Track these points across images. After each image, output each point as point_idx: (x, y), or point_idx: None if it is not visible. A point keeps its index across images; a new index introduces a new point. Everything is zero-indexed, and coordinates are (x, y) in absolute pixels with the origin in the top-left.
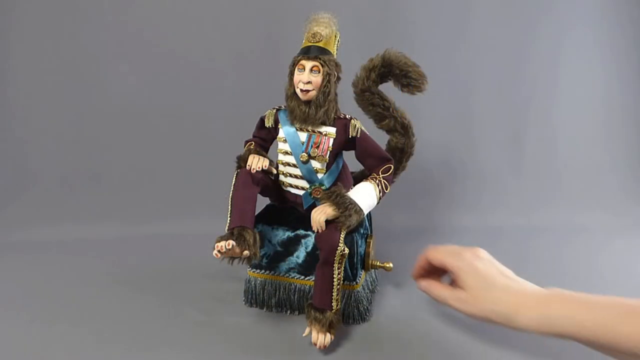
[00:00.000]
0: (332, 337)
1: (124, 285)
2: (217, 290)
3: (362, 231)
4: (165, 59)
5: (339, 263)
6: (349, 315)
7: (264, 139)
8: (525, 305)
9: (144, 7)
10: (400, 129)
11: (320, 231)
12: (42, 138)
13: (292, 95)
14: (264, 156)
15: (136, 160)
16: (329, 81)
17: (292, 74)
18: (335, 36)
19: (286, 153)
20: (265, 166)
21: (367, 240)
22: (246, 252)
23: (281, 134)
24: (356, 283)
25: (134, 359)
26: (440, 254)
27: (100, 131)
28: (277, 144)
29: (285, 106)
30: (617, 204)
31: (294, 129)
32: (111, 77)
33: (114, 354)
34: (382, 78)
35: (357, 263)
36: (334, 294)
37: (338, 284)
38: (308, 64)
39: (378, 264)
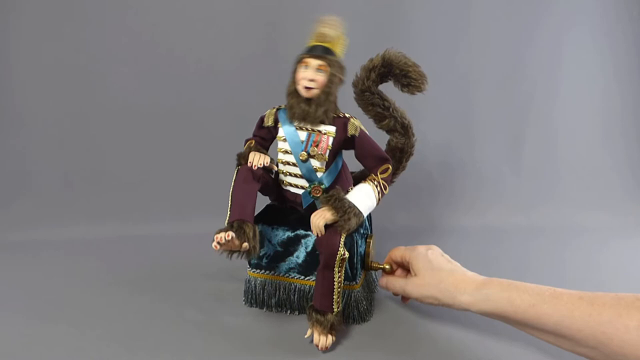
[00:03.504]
0: (334, 338)
1: (123, 285)
2: (217, 290)
3: (362, 231)
4: (165, 59)
5: (339, 267)
6: (348, 316)
7: (264, 138)
8: (467, 285)
9: (144, 7)
10: (400, 129)
11: (319, 235)
12: (42, 138)
13: (293, 92)
14: (265, 153)
15: (136, 160)
16: (332, 82)
17: (295, 71)
18: (342, 39)
19: (286, 152)
20: (267, 162)
21: (367, 240)
22: (245, 245)
23: (281, 132)
24: (356, 283)
25: (133, 359)
26: (400, 250)
27: (101, 131)
28: (277, 143)
29: (285, 105)
30: (617, 204)
31: (294, 128)
32: (111, 78)
33: (114, 354)
34: (382, 78)
35: (357, 263)
36: (335, 296)
37: (339, 287)
38: (314, 62)
39: (377, 265)
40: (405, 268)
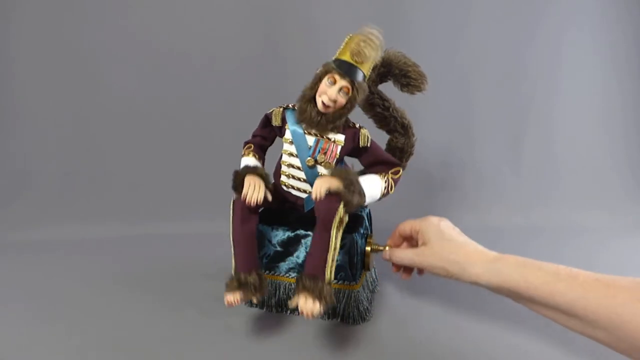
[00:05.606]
0: (322, 309)
1: (124, 285)
2: (217, 290)
3: (362, 231)
4: (165, 59)
5: (337, 229)
6: (349, 315)
7: (266, 137)
8: (479, 258)
9: (144, 7)
10: (400, 129)
11: (318, 199)
12: (43, 138)
13: (310, 99)
14: (261, 175)
15: (136, 160)
16: (351, 105)
17: (319, 79)
18: (376, 58)
19: (291, 155)
20: (260, 200)
21: (367, 240)
22: (254, 298)
23: (288, 134)
24: (356, 283)
25: (133, 358)
26: (409, 223)
27: (101, 131)
28: (282, 144)
29: (292, 105)
30: (617, 204)
31: (302, 131)
32: (111, 78)
33: (114, 353)
34: (382, 78)
35: (357, 263)
36: (329, 261)
37: (334, 252)
38: (340, 81)
39: (377, 247)
40: (413, 242)
